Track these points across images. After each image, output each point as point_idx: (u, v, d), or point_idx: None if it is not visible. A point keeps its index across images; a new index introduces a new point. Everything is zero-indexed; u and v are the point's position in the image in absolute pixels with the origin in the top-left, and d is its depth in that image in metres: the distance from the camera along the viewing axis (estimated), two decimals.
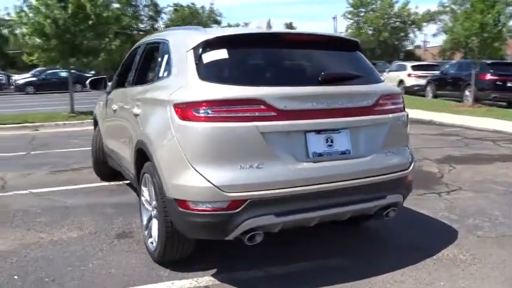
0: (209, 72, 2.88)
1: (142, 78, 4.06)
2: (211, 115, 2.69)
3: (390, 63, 27.82)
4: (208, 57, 2.94)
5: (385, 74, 22.43)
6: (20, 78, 30.96)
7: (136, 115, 3.60)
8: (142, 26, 48.10)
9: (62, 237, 3.94)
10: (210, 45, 2.97)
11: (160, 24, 48.72)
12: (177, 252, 3.16)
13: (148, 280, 3.10)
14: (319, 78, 2.96)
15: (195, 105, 2.72)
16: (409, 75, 20.54)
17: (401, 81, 20.52)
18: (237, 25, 49.23)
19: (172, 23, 49.37)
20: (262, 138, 2.71)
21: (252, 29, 4.47)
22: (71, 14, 11.44)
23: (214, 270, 3.22)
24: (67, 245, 3.75)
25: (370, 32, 42.77)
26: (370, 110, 3.09)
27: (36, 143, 9.32)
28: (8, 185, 5.83)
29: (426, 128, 10.87)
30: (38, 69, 27.67)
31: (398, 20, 43.19)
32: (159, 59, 3.56)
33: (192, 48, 3.02)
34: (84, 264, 3.37)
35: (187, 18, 46.74)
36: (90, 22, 12.23)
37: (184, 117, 2.75)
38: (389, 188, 3.16)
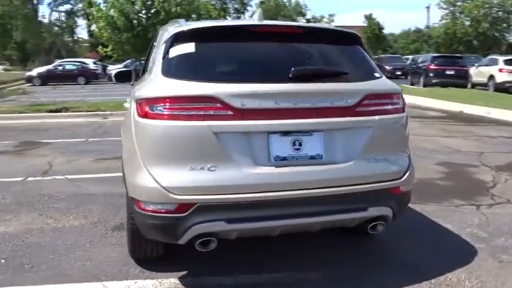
0: (171, 68, 2.75)
1: (141, 73, 4.05)
2: (164, 113, 2.56)
3: (486, 56, 25.53)
4: (174, 51, 2.80)
5: (473, 68, 20.65)
6: (113, 69, 33.24)
7: (126, 110, 3.59)
8: (229, 18, 49.11)
9: (65, 224, 4.07)
10: (177, 39, 2.83)
11: (246, 16, 49.41)
12: (145, 251, 3.10)
13: (115, 276, 3.08)
14: (290, 75, 2.69)
15: (150, 102, 2.61)
16: (500, 70, 18.63)
17: (491, 77, 18.74)
18: (322, 17, 48.35)
19: None
20: (215, 139, 2.53)
21: (230, 21, 4.15)
22: (140, 8, 11.93)
23: (183, 273, 3.11)
24: (65, 233, 3.87)
25: (467, 23, 39.62)
26: (350, 111, 2.75)
27: (99, 131, 9.85)
28: (52, 169, 6.19)
29: (505, 129, 9.77)
30: (128, 60, 29.49)
31: (500, 9, 39.45)
32: (149, 53, 3.51)
33: (164, 43, 2.91)
34: (67, 254, 3.44)
35: (272, 10, 46.86)
36: (161, 17, 12.66)
37: (141, 115, 2.66)
38: (371, 200, 2.81)
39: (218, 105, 2.54)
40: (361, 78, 2.91)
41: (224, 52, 2.87)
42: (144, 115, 2.62)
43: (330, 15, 49.57)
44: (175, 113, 2.54)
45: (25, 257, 3.38)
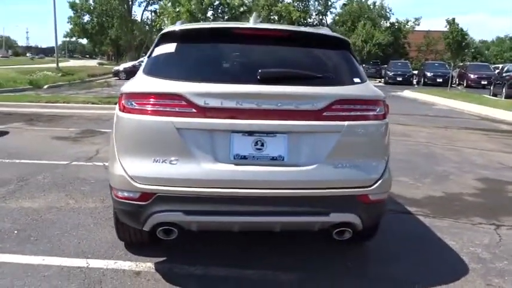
0: (152, 66, 2.95)
1: None
2: (135, 107, 2.77)
3: None
4: (157, 51, 3.01)
5: None
6: None
7: None
8: (310, 20, 49.07)
9: (82, 205, 4.46)
10: (162, 39, 3.04)
11: (328, 18, 49.01)
12: (129, 235, 3.33)
13: (100, 255, 3.35)
14: (258, 77, 2.77)
15: (126, 96, 2.83)
16: None
17: None
18: (407, 21, 46.57)
19: (340, 18, 49.24)
20: (177, 134, 2.68)
21: (218, 23, 4.20)
22: (206, 7, 12.39)
23: (161, 259, 3.31)
24: (78, 213, 4.25)
25: None
26: (316, 115, 2.77)
27: None
28: (97, 156, 6.72)
29: None
30: None
31: None
32: None
33: (154, 42, 3.14)
34: (71, 231, 3.79)
35: (355, 12, 45.99)
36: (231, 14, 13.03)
37: (120, 108, 2.89)
38: (335, 205, 2.80)
39: (183, 102, 2.70)
40: (335, 83, 2.90)
41: (200, 53, 3.01)
42: (121, 109, 2.85)
43: (416, 19, 47.63)
44: (144, 108, 2.74)
45: (34, 231, 3.78)
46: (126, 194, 2.79)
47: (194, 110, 2.70)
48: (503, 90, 19.03)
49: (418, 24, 47.96)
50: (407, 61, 39.44)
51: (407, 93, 22.65)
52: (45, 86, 20.13)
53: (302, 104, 2.76)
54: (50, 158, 6.48)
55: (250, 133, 2.73)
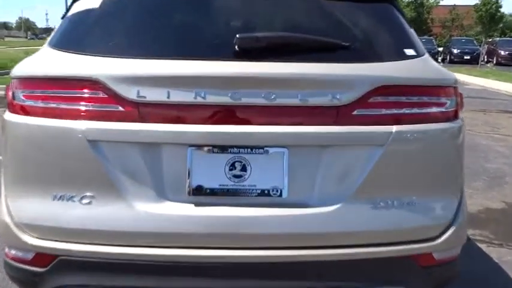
0: (62, 34, 1.75)
1: None
2: (25, 103, 1.59)
3: None
4: (75, 8, 1.80)
5: None
6: None
7: None
8: None
9: None
10: None
11: None
12: None
13: None
14: (234, 48, 1.56)
15: (14, 85, 1.65)
16: None
17: None
18: None
19: None
20: (90, 151, 1.50)
21: None
22: None
23: None
24: None
25: None
26: (342, 114, 1.56)
27: None
28: None
29: None
30: None
31: None
32: None
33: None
34: None
35: None
36: None
37: (7, 104, 1.71)
38: (372, 275, 1.61)
39: (99, 94, 1.51)
40: (373, 58, 1.67)
41: (136, 10, 1.78)
42: (8, 106, 1.67)
43: None
44: (36, 104, 1.56)
45: None
46: (14, 253, 1.64)
47: (120, 108, 1.51)
48: None
49: None
50: (431, 37, 37.29)
51: None
52: None
53: (315, 95, 1.54)
54: None
55: (223, 148, 1.53)
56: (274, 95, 1.52)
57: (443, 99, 1.67)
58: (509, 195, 4.33)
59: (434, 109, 1.66)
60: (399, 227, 1.61)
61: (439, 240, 1.66)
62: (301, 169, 1.56)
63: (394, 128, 1.58)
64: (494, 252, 3.13)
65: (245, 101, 1.51)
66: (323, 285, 1.59)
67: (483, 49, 26.53)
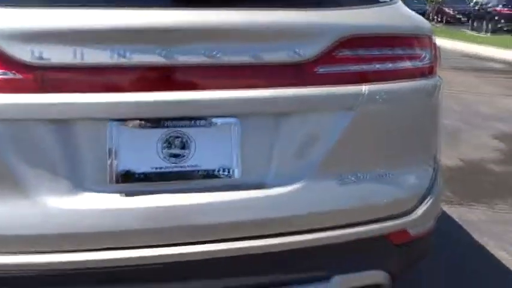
0: None
1: None
2: None
3: None
4: None
5: None
6: None
7: None
8: None
9: None
10: None
11: None
12: None
13: None
14: None
15: None
16: None
17: None
18: None
19: None
20: None
21: None
22: None
23: None
24: None
25: None
26: (304, 72, 1.27)
27: None
28: None
29: None
30: None
31: None
32: None
33: None
34: None
35: None
36: None
37: None
38: (343, 260, 1.38)
39: None
40: (341, 2, 1.37)
41: None
42: None
43: None
44: None
45: None
46: None
47: (15, 75, 1.15)
48: (489, 25, 17.64)
49: None
50: None
51: None
52: None
53: (269, 50, 1.24)
54: None
55: (155, 122, 1.22)
56: (217, 52, 1.20)
57: (418, 51, 1.42)
58: (465, 153, 4.29)
59: (409, 63, 1.40)
60: (373, 203, 1.38)
61: (415, 214, 1.45)
62: (256, 142, 1.27)
63: (365, 88, 1.31)
64: (455, 213, 3.03)
65: (181, 60, 1.19)
66: (287, 278, 1.34)
67: (431, 8, 26.85)
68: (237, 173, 1.26)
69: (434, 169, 1.53)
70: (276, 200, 1.28)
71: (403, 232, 1.44)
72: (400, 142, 1.42)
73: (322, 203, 1.32)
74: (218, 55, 1.21)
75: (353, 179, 1.34)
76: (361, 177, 1.35)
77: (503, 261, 2.48)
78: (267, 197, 1.27)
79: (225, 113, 1.24)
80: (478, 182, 3.61)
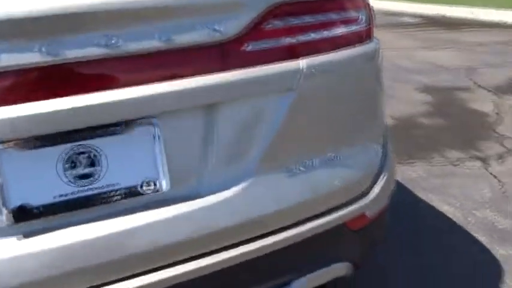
0: None
1: None
2: None
3: None
4: None
5: None
6: None
7: None
8: None
9: None
10: None
11: None
12: None
13: None
14: None
15: None
16: None
17: None
18: None
19: None
20: None
21: None
22: None
23: None
24: None
25: None
26: (231, 52, 1.07)
27: None
28: None
29: (494, 33, 8.14)
30: None
31: None
32: None
33: None
34: None
35: None
36: None
37: None
38: (298, 264, 1.22)
39: None
40: None
41: None
42: None
43: None
44: None
45: None
46: None
47: None
48: None
49: None
50: None
51: None
52: None
53: (182, 30, 1.01)
54: None
55: (50, 138, 0.95)
56: (116, 39, 0.95)
57: (353, 14, 1.25)
58: (397, 110, 4.31)
59: (345, 28, 1.22)
60: (327, 191, 1.22)
61: (371, 195, 1.31)
62: (183, 145, 1.05)
63: (303, 63, 1.12)
64: (398, 172, 3.01)
65: (70, 55, 0.92)
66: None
67: None
68: (164, 185, 1.03)
69: (385, 142, 1.39)
70: (215, 209, 1.08)
71: (361, 216, 1.30)
72: (346, 118, 1.26)
73: (269, 203, 1.14)
74: (119, 43, 0.95)
75: (301, 169, 1.17)
76: (310, 165, 1.18)
77: (449, 215, 2.48)
78: (204, 208, 1.07)
79: (140, 115, 1.00)
80: (412, 138, 3.62)
